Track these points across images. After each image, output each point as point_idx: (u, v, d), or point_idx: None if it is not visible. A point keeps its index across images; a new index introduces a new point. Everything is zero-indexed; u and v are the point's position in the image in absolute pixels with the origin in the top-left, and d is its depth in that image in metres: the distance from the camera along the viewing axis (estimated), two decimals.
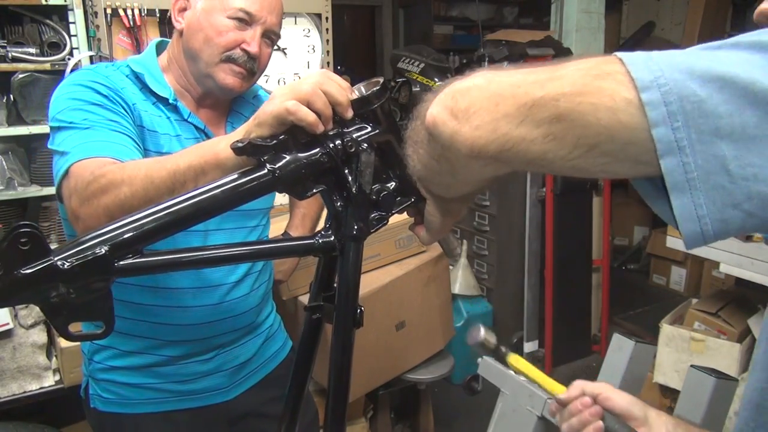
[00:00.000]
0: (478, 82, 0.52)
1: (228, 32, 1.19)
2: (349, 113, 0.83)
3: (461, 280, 3.31)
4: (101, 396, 1.29)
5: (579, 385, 0.92)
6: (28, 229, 0.61)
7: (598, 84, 0.45)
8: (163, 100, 1.23)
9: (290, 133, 0.81)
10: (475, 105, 0.51)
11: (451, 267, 3.17)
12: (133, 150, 1.06)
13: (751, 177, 0.41)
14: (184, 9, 1.24)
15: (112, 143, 1.03)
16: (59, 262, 0.63)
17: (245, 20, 1.20)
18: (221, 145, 0.88)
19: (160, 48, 1.32)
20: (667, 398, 2.75)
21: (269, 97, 0.86)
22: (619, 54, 0.45)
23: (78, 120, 1.07)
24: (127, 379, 1.28)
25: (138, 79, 1.23)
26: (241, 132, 0.86)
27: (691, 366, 1.50)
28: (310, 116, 0.80)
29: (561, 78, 0.47)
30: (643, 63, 0.44)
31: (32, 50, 2.33)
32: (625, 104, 0.43)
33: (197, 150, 0.92)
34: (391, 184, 0.88)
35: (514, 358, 1.10)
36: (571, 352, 3.56)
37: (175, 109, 1.24)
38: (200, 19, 1.20)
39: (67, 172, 1.00)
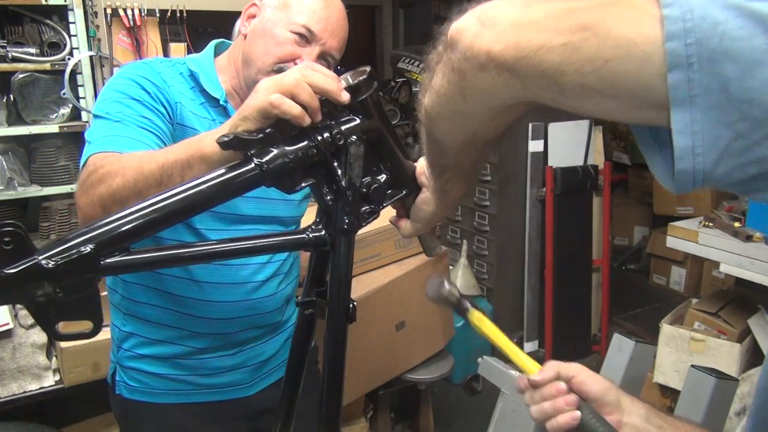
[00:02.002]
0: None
1: (287, 45, 1.21)
2: (345, 97, 0.82)
3: (461, 280, 3.30)
4: (127, 383, 1.32)
5: (554, 366, 0.88)
6: (11, 228, 0.61)
7: (629, 0, 0.46)
8: (213, 101, 1.26)
9: (277, 127, 0.80)
10: (503, 13, 0.52)
11: (451, 267, 3.16)
12: (154, 148, 1.07)
13: (747, 100, 0.43)
14: (254, 16, 1.27)
15: (134, 140, 1.06)
16: (44, 261, 0.63)
17: (306, 37, 1.22)
18: (207, 140, 0.88)
19: (218, 49, 1.35)
20: (667, 398, 2.74)
21: (253, 90, 0.86)
22: None
23: (113, 112, 1.10)
24: (152, 368, 1.31)
25: (192, 77, 1.26)
26: (227, 126, 0.86)
27: (691, 366, 1.50)
28: (294, 109, 0.80)
29: None
30: None
31: (32, 50, 2.34)
32: (650, 19, 0.45)
33: (185, 144, 0.92)
34: (382, 177, 0.87)
35: (477, 317, 0.95)
36: (571, 352, 3.55)
37: (223, 111, 1.27)
38: (264, 28, 1.23)
39: (85, 163, 1.03)
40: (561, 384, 0.85)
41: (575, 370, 0.87)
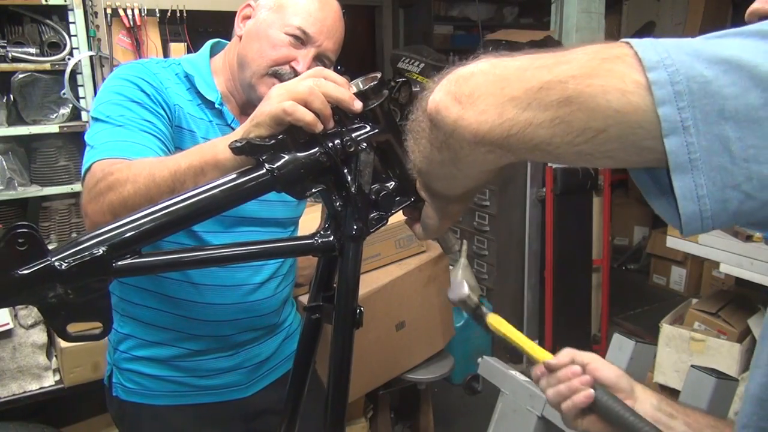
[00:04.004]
0: (482, 67, 0.52)
1: (281, 47, 1.20)
2: (357, 106, 0.82)
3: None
4: (124, 385, 1.32)
5: (568, 352, 0.92)
6: (26, 230, 0.61)
7: (609, 66, 0.45)
8: (209, 103, 1.25)
9: (289, 133, 0.80)
10: (479, 89, 0.50)
11: (450, 267, 3.16)
12: (158, 153, 1.07)
13: (752, 158, 0.41)
14: (248, 17, 1.27)
15: (138, 144, 1.05)
16: (57, 263, 0.63)
17: (301, 39, 1.21)
18: (220, 146, 0.88)
19: (214, 49, 1.34)
20: None
21: (265, 97, 0.86)
22: (626, 39, 0.46)
23: (114, 115, 1.09)
24: (149, 370, 1.30)
25: (188, 79, 1.25)
26: (239, 132, 0.86)
27: (692, 366, 1.50)
28: (307, 116, 0.80)
29: (569, 62, 0.47)
30: (651, 45, 0.44)
31: (32, 50, 2.34)
32: (635, 86, 0.43)
33: (198, 150, 0.92)
34: (391, 184, 0.88)
35: (494, 319, 1.05)
36: None
37: (219, 113, 1.26)
38: (259, 30, 1.22)
39: (89, 168, 1.02)
40: (576, 367, 0.88)
41: (589, 357, 0.91)
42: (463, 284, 1.06)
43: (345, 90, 0.83)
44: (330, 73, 0.86)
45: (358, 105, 0.82)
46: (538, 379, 0.94)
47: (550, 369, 0.91)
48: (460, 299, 1.06)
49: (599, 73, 0.44)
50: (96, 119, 1.11)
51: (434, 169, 0.63)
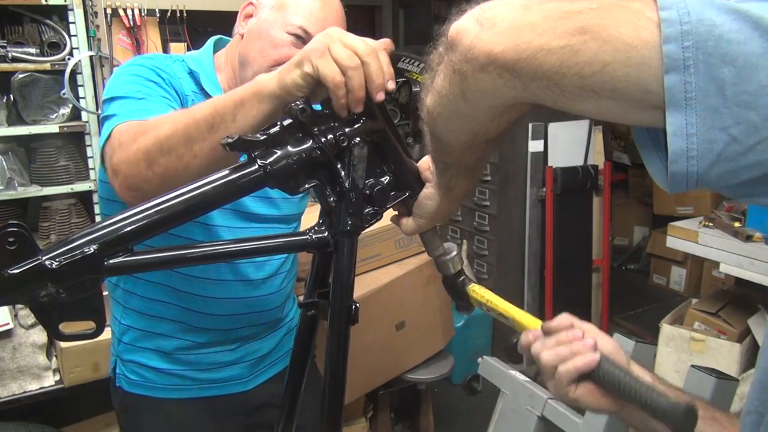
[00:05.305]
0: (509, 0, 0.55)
1: (283, 47, 1.20)
2: (381, 95, 0.83)
3: None
4: (127, 377, 1.32)
5: (569, 317, 0.88)
6: (15, 229, 0.61)
7: (627, 3, 0.47)
8: None
9: (283, 128, 0.80)
10: (502, 15, 0.53)
11: None
12: None
13: (743, 104, 0.43)
14: (250, 16, 1.27)
15: (162, 114, 1.03)
16: (47, 262, 0.63)
17: (303, 38, 1.20)
18: (265, 78, 0.90)
19: (217, 46, 1.34)
20: None
21: (325, 38, 0.86)
22: None
23: (133, 91, 1.09)
24: (151, 362, 1.31)
25: (192, 75, 1.25)
26: (291, 66, 0.88)
27: (692, 366, 1.49)
28: (341, 101, 0.82)
29: None
30: None
31: (32, 50, 2.34)
32: (648, 22, 0.45)
33: (239, 88, 0.93)
34: (385, 179, 0.88)
35: (476, 289, 1.01)
36: None
37: None
38: (260, 29, 1.22)
39: (110, 134, 1.01)
40: (577, 330, 0.84)
41: (588, 326, 0.88)
42: (453, 246, 1.02)
43: (382, 75, 0.83)
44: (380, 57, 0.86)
45: (381, 95, 0.83)
46: (530, 344, 0.90)
47: (549, 331, 0.87)
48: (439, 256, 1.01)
49: (617, 9, 0.46)
50: (112, 98, 1.09)
51: (443, 106, 0.64)
